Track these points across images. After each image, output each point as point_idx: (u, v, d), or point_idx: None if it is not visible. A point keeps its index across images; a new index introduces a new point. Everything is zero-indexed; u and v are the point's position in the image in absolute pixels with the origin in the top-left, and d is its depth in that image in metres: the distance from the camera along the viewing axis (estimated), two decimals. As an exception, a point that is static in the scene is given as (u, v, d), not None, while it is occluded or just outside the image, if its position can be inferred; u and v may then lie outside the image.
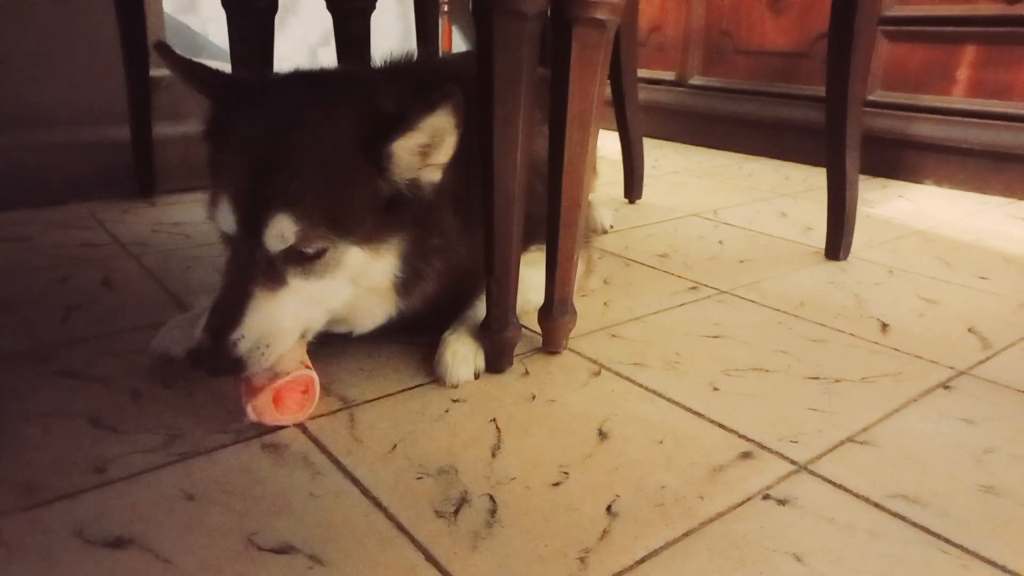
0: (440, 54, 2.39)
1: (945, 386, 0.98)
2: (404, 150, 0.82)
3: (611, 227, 1.65)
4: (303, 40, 3.37)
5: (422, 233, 0.88)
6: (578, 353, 1.04)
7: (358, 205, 0.82)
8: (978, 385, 0.98)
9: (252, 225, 0.78)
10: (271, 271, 0.79)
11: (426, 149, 0.84)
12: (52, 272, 1.29)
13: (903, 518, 0.71)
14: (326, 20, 1.45)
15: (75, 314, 1.12)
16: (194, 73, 0.88)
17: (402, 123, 0.80)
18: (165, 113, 1.79)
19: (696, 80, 2.74)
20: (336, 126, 0.83)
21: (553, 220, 0.97)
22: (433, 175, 0.87)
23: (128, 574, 0.62)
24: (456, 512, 0.71)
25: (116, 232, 1.52)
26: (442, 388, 0.93)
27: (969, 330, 1.15)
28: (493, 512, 0.71)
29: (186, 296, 1.20)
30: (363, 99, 0.86)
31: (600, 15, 0.87)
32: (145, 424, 0.84)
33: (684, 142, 2.81)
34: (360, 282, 0.85)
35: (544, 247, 1.00)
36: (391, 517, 0.70)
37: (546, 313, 1.02)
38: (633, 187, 1.92)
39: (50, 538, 0.66)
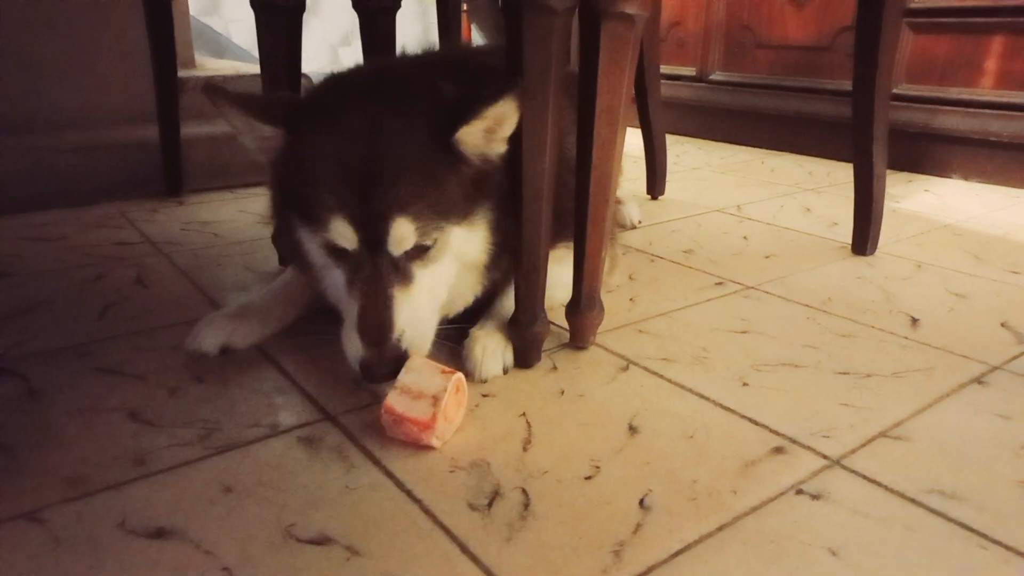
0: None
1: (979, 381, 0.97)
2: (470, 136, 0.87)
3: (639, 222, 1.65)
4: (323, 40, 3.39)
5: (500, 204, 0.93)
6: (605, 348, 1.04)
7: (452, 191, 0.87)
8: (1013, 380, 0.97)
9: (374, 236, 0.82)
10: (399, 272, 0.84)
11: (491, 131, 0.88)
12: (87, 271, 1.32)
13: (940, 513, 0.71)
14: (346, 20, 1.47)
15: (111, 312, 1.14)
16: (257, 106, 0.88)
17: (468, 113, 0.84)
18: (192, 113, 1.82)
19: (717, 75, 2.73)
20: (415, 129, 0.86)
21: (581, 215, 0.97)
22: (500, 147, 0.91)
23: (171, 564, 0.63)
24: (490, 505, 0.71)
25: (147, 231, 1.55)
26: (472, 383, 0.94)
27: (1002, 325, 1.14)
28: (526, 505, 0.71)
29: (217, 293, 1.22)
30: (429, 96, 0.89)
31: (629, 9, 0.87)
32: (182, 418, 0.85)
33: (705, 138, 2.80)
34: (463, 258, 0.92)
35: (571, 244, 1.01)
36: (426, 510, 0.71)
37: (574, 308, 1.02)
38: (656, 183, 1.92)
39: (95, 529, 0.67)
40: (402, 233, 0.82)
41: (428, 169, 0.85)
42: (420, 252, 0.85)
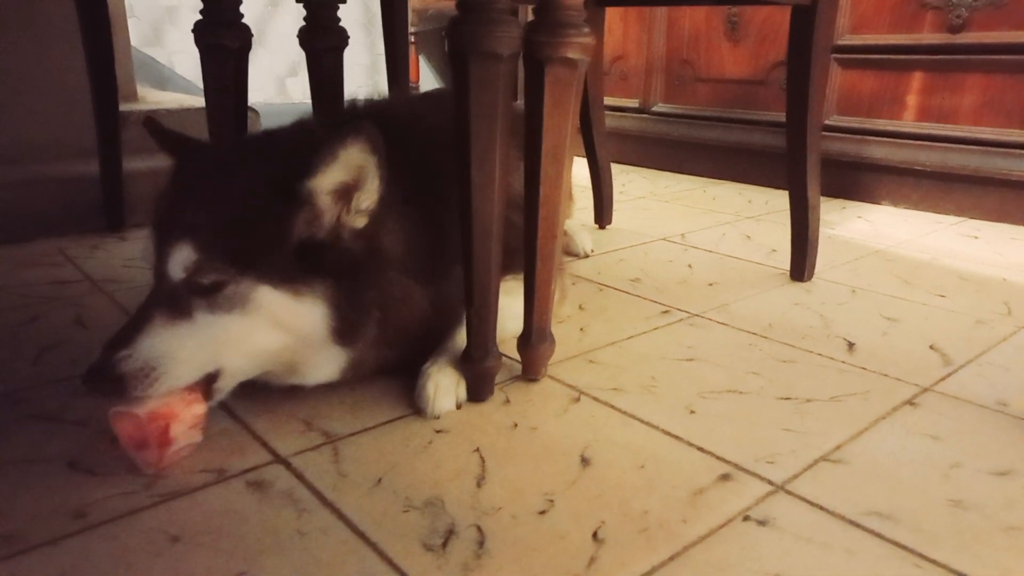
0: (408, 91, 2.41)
1: (911, 403, 1.01)
2: (322, 190, 0.84)
3: (591, 251, 1.68)
4: (271, 71, 3.37)
5: (354, 283, 0.88)
6: (557, 380, 1.06)
7: (263, 242, 0.83)
8: (942, 401, 1.02)
9: (161, 255, 0.83)
10: (175, 300, 0.82)
11: (347, 189, 0.86)
12: (22, 312, 1.27)
13: (878, 535, 0.74)
14: (293, 51, 1.48)
15: (48, 355, 1.10)
16: (165, 139, 0.96)
17: (315, 161, 0.82)
18: (135, 147, 1.78)
19: (659, 107, 2.81)
20: (253, 170, 0.87)
21: (530, 251, 0.99)
22: (356, 221, 0.88)
23: (114, 621, 0.61)
24: (444, 545, 0.71)
25: (86, 268, 1.50)
26: (425, 419, 0.94)
27: (930, 347, 1.20)
28: (481, 543, 0.72)
29: (161, 333, 1.19)
30: (287, 144, 0.92)
31: (572, 55, 0.90)
32: (125, 466, 0.83)
33: (649, 167, 2.88)
34: (286, 327, 0.85)
35: (520, 276, 1.02)
36: (380, 552, 0.70)
37: (525, 341, 1.03)
38: (603, 213, 1.96)
39: (32, 588, 0.65)
40: (179, 258, 0.80)
41: (241, 210, 0.83)
42: (203, 291, 0.80)
